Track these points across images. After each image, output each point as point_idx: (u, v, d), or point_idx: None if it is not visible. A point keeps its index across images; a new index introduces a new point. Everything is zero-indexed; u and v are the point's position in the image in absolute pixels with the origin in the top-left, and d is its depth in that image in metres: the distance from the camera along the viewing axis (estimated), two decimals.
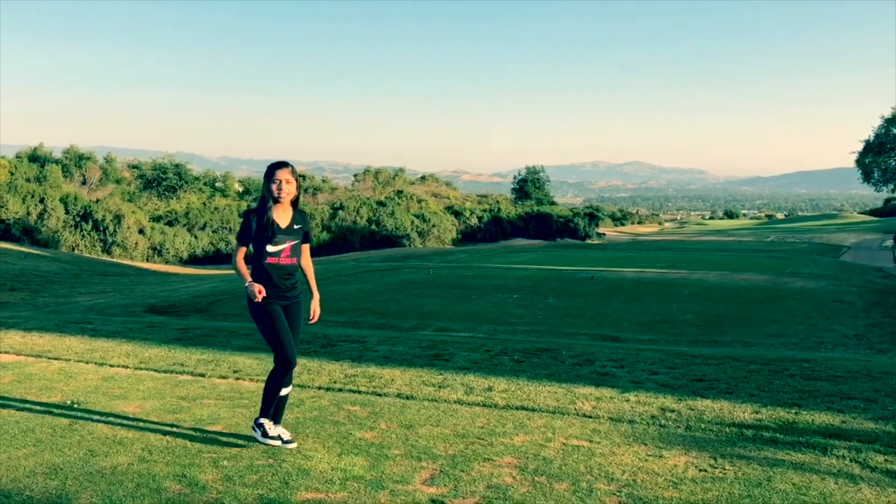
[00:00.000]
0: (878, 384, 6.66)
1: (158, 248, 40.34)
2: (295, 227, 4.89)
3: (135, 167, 64.69)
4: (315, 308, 5.16)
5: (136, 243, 38.96)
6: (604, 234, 79.16)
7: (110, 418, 5.55)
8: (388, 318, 13.85)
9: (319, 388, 6.54)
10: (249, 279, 4.76)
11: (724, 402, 6.02)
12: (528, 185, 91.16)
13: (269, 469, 4.45)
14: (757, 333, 12.48)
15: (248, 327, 10.02)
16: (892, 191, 65.38)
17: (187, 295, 18.01)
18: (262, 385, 6.65)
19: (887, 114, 56.10)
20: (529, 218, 70.59)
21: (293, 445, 4.84)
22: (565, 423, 5.46)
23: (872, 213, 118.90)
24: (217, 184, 70.02)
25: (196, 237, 43.53)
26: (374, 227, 55.72)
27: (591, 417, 5.62)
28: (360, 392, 6.38)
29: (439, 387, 6.52)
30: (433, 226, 59.12)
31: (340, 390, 6.44)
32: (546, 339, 10.44)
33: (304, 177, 75.33)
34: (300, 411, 5.78)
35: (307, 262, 5.11)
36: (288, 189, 4.81)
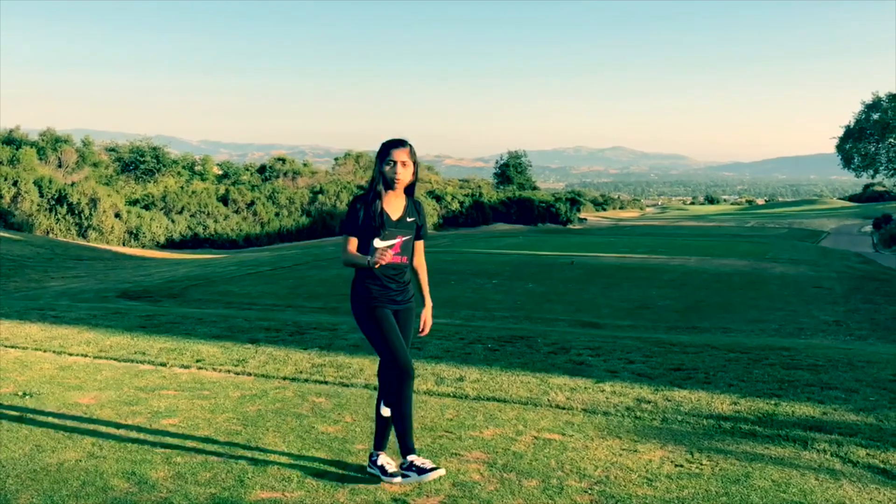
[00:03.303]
0: (860, 373, 6.51)
1: (135, 232, 39.76)
2: (408, 219, 4.15)
3: (112, 150, 63.75)
4: (427, 317, 4.35)
5: (112, 227, 38.36)
6: (585, 220, 79.10)
7: (63, 410, 5.29)
8: None
9: (284, 378, 6.30)
10: (368, 257, 4.02)
11: (701, 393, 5.85)
12: (510, 169, 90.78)
13: (223, 466, 4.22)
14: (737, 319, 12.36)
15: (217, 314, 9.75)
16: (872, 177, 65.57)
17: (162, 280, 17.68)
18: (226, 375, 6.38)
19: (868, 99, 56.13)
20: (511, 203, 70.31)
21: (438, 473, 4.06)
22: (537, 416, 5.26)
23: (852, 198, 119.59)
24: (196, 167, 69.21)
25: (173, 221, 42.98)
26: None
27: (564, 409, 5.42)
28: (326, 382, 6.15)
29: None
30: None
31: (306, 381, 6.21)
32: (523, 326, 10.25)
33: (283, 160, 74.47)
34: (262, 403, 5.54)
35: (420, 262, 4.36)
36: (404, 173, 4.06)
